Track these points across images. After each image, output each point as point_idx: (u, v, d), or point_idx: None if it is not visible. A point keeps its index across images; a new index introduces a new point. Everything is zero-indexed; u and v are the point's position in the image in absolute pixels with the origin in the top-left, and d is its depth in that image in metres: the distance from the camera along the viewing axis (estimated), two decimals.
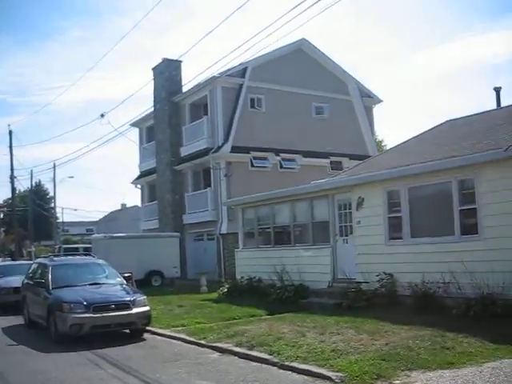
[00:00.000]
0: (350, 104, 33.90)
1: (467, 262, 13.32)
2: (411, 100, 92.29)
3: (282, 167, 30.77)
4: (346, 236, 17.47)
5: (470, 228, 14.00)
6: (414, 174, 15.12)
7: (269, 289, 18.55)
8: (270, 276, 19.06)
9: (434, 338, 10.58)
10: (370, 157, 29.45)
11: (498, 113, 21.08)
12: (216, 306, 17.62)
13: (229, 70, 29.12)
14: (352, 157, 32.33)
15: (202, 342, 11.98)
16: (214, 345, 11.56)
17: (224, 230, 28.60)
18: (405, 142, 21.94)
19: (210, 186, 30.59)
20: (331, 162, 32.30)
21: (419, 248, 14.98)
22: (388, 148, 38.64)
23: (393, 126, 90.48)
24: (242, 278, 20.77)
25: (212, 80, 29.26)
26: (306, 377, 9.01)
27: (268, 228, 21.02)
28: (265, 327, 12.80)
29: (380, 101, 35.48)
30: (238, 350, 10.86)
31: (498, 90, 22.77)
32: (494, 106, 22.74)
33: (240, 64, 27.86)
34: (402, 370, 8.84)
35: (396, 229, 15.81)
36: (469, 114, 21.76)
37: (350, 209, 17.26)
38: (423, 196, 15.33)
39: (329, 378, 8.69)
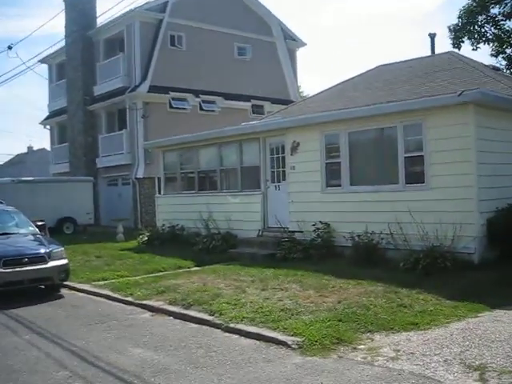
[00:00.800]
0: (274, 46, 32.50)
1: (413, 212, 12.57)
2: (338, 46, 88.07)
3: (201, 109, 29.17)
4: (279, 182, 16.38)
5: (415, 177, 13.22)
6: (356, 117, 14.10)
7: (194, 237, 17.26)
8: (195, 224, 17.76)
9: (388, 295, 9.75)
10: (292, 102, 28.44)
11: (431, 59, 20.41)
12: (137, 256, 16.16)
13: (148, 3, 26.98)
14: (274, 101, 31.17)
15: (130, 299, 10.58)
16: (144, 302, 10.19)
17: (140, 175, 26.90)
18: (334, 86, 20.94)
19: (125, 127, 28.54)
20: (253, 106, 31.00)
21: (360, 196, 14.12)
22: (306, 96, 37.69)
23: (317, 73, 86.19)
24: (164, 225, 19.33)
25: (129, 14, 27.04)
26: (257, 342, 7.80)
27: (192, 173, 19.58)
28: (198, 281, 11.57)
29: (304, 44, 34.26)
30: (172, 309, 9.54)
31: (432, 37, 22.03)
32: (428, 52, 21.99)
33: None
34: (363, 333, 7.86)
35: (334, 176, 14.85)
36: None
37: (283, 153, 16.13)
38: (365, 142, 14.40)
39: (284, 344, 7.53)
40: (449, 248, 11.95)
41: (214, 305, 9.38)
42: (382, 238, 13.06)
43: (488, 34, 27.71)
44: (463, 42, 28.02)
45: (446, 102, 12.49)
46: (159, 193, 21.93)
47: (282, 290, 10.41)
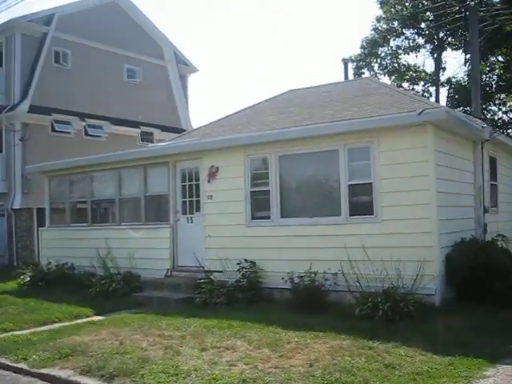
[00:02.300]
0: (165, 70, 30.25)
1: (361, 248, 10.84)
2: (238, 71, 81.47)
3: (87, 134, 26.09)
4: (191, 214, 14.02)
5: (362, 207, 11.47)
6: (290, 138, 12.16)
7: (88, 278, 14.33)
8: (90, 262, 14.80)
9: (363, 351, 7.78)
10: (184, 130, 26.31)
11: (347, 85, 19.10)
12: (21, 301, 12.96)
13: (33, 14, 23.94)
14: (164, 128, 28.86)
15: (24, 365, 7.71)
16: (45, 372, 7.37)
17: (17, 205, 23.26)
18: (241, 111, 18.92)
19: (0, 151, 24.84)
20: (142, 133, 28.42)
21: (293, 230, 12.13)
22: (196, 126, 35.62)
23: (207, 102, 77.99)
24: (50, 263, 16.15)
25: (9, 24, 23.82)
26: None
27: (84, 202, 16.65)
28: (110, 338, 8.91)
29: (196, 70, 32.29)
30: (89, 381, 6.87)
31: (346, 62, 20.82)
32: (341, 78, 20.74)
33: (45, 10, 23.50)
34: None
35: (261, 206, 12.76)
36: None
37: (197, 180, 13.84)
38: (299, 167, 12.44)
39: None
40: (408, 289, 10.19)
41: (147, 376, 6.86)
42: (327, 279, 11.07)
43: (389, 67, 27.25)
44: (363, 72, 27.40)
45: (402, 122, 10.90)
46: (40, 225, 18.70)
47: (228, 349, 8.05)
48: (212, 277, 12.64)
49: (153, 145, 15.70)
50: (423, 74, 28.91)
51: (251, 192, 12.77)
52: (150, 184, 14.82)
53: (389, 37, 26.99)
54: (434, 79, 27.81)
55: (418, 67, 29.80)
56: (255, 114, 17.77)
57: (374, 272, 10.59)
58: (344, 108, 15.09)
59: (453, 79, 28.24)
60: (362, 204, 11.49)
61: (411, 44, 27.65)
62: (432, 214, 10.64)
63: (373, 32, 27.34)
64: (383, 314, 9.66)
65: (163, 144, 15.60)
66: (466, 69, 26.87)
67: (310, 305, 10.59)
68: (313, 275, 11.10)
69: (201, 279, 12.72)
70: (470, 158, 13.04)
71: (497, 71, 27.71)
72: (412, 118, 10.67)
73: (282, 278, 11.57)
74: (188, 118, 31.33)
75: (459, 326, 9.10)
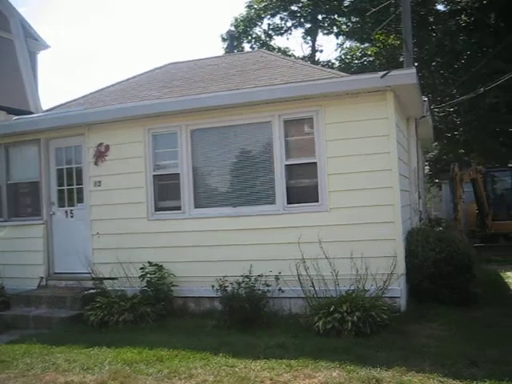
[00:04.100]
0: (11, 44, 25.92)
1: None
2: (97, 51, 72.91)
3: None
4: (72, 206, 10.92)
5: (303, 194, 9.21)
6: (207, 107, 9.56)
7: None
8: None
9: None
10: (31, 113, 22.48)
11: (239, 57, 16.68)
12: None
13: None
14: (11, 111, 24.52)
15: None
16: None
17: None
18: (111, 86, 15.77)
19: None
20: None
21: (210, 224, 9.58)
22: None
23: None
24: None
25: None
26: None
27: None
28: None
29: (47, 46, 28.19)
30: None
31: (231, 34, 18.42)
32: None
33: None
34: None
35: (169, 194, 10.10)
36: None
37: (79, 163, 10.79)
38: (219, 145, 9.87)
39: None
40: (372, 292, 8.18)
41: None
42: (268, 285, 8.64)
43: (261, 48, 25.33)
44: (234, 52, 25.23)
45: (358, 87, 8.77)
46: None
47: None
48: (103, 286, 9.73)
49: (18, 117, 12.21)
50: (296, 57, 27.33)
51: (154, 176, 10.03)
52: (13, 168, 11.42)
53: (263, 15, 25.07)
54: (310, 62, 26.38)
55: (289, 50, 28.30)
56: (131, 89, 14.72)
57: (328, 273, 8.39)
58: (243, 82, 12.62)
59: (329, 63, 27.03)
60: (303, 189, 9.28)
61: (285, 25, 26.03)
62: (395, 200, 8.71)
63: (247, 9, 25.27)
64: (353, 327, 7.49)
65: (32, 116, 12.21)
66: (338, 54, 25.78)
67: (249, 318, 8.13)
68: (249, 280, 8.60)
69: (89, 289, 9.83)
70: (405, 137, 11.26)
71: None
72: (372, 81, 8.66)
73: (202, 286, 9.19)
74: (38, 99, 27.15)
75: (446, 335, 7.55)
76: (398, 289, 8.56)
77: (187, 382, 5.94)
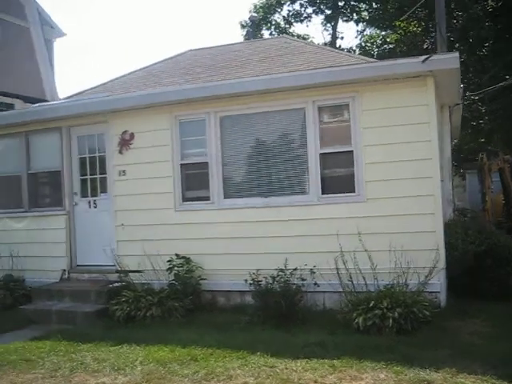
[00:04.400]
0: (28, 32, 25.57)
1: (343, 235, 8.38)
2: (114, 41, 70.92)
3: None
4: (95, 196, 10.58)
5: (338, 183, 8.77)
6: (238, 93, 9.14)
7: None
8: None
9: None
10: (47, 101, 22.14)
11: (263, 43, 16.22)
12: None
13: None
14: (28, 99, 24.22)
15: None
16: None
17: None
18: (129, 74, 15.38)
19: None
20: (1, 104, 23.74)
21: (240, 214, 9.20)
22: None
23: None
24: None
25: None
26: None
27: None
28: None
29: (63, 34, 27.89)
30: None
31: (253, 20, 17.91)
32: None
33: None
34: None
35: (197, 184, 9.73)
36: None
37: (102, 152, 10.43)
38: (249, 131, 9.47)
39: None
40: (412, 287, 7.75)
41: None
42: (303, 279, 8.23)
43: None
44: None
45: (398, 71, 8.33)
46: None
47: None
48: (129, 279, 9.38)
49: (38, 104, 11.84)
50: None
51: (182, 165, 9.64)
52: (34, 158, 11.06)
53: (283, 2, 24.51)
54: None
55: (309, 37, 27.76)
56: (152, 76, 14.35)
57: (366, 266, 7.97)
58: (268, 68, 12.22)
59: (350, 50, 26.49)
60: (338, 179, 8.87)
61: (305, 11, 25.50)
62: (435, 190, 8.29)
63: None
64: (394, 324, 7.08)
65: (53, 103, 11.85)
66: (358, 41, 25.21)
67: (284, 314, 7.74)
68: (284, 274, 8.20)
69: (114, 283, 9.49)
70: (440, 124, 10.77)
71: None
72: (413, 66, 8.20)
73: (231, 280, 8.87)
74: (54, 88, 26.88)
75: (490, 332, 7.18)
76: (438, 283, 8.15)
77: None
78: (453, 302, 8.39)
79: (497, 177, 17.99)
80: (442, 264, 8.11)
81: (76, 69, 66.07)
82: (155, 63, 15.49)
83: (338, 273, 8.03)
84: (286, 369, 5.98)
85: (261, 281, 8.14)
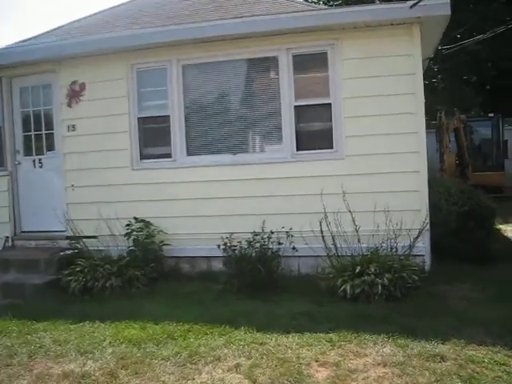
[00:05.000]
0: None
1: (314, 196, 7.72)
2: None
3: None
4: (41, 154, 9.49)
5: (314, 139, 8.06)
6: (203, 38, 8.23)
7: None
8: None
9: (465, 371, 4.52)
10: None
11: None
12: None
13: None
14: None
15: None
16: None
17: None
18: (66, 25, 14.02)
19: None
20: None
21: (206, 173, 8.38)
22: None
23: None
24: None
25: None
26: None
27: None
28: None
29: None
30: None
31: None
32: None
33: None
34: None
35: (156, 140, 8.83)
36: None
37: (48, 104, 9.34)
38: (216, 82, 8.61)
39: None
40: (401, 250, 7.26)
41: None
42: (280, 243, 7.53)
43: None
44: None
45: (381, 18, 7.57)
46: None
47: None
48: (81, 246, 8.46)
49: None
50: None
51: (139, 119, 8.72)
52: None
53: None
54: None
55: None
56: (95, 26, 13.11)
57: (347, 229, 7.36)
58: (223, 18, 11.25)
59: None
60: (314, 134, 8.15)
61: None
62: (420, 147, 7.69)
63: None
64: (383, 291, 6.54)
65: None
66: None
67: (263, 282, 7.05)
68: (261, 238, 7.47)
69: (65, 250, 8.57)
70: None
71: None
72: (398, 11, 7.53)
73: (197, 245, 8.13)
74: None
75: (480, 297, 6.73)
76: (423, 246, 7.66)
77: (217, 368, 4.82)
78: (436, 265, 7.90)
79: (452, 137, 17.75)
80: (427, 226, 7.55)
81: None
82: (96, 13, 14.15)
83: (322, 236, 7.35)
84: (279, 345, 5.30)
85: (235, 246, 7.36)
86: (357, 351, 5.12)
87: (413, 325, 5.69)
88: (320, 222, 7.36)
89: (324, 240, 7.26)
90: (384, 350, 5.13)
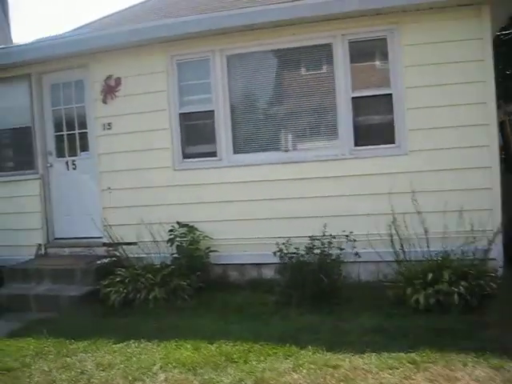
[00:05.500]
0: None
1: (380, 195, 7.03)
2: None
3: None
4: (74, 156, 8.89)
5: (374, 133, 7.32)
6: (250, 25, 7.51)
7: None
8: None
9: None
10: None
11: None
12: None
13: None
14: None
15: None
16: None
17: None
18: (104, 18, 13.46)
19: None
20: None
21: (254, 173, 7.68)
22: None
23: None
24: None
25: None
26: None
27: None
28: None
29: None
30: None
31: None
32: None
33: None
34: None
35: (200, 138, 8.18)
36: None
37: (81, 102, 8.73)
38: (264, 73, 7.89)
39: None
40: (473, 255, 6.43)
41: None
42: (341, 248, 6.80)
43: None
44: None
45: None
46: None
47: None
48: (120, 253, 7.83)
49: (1, 47, 9.91)
50: None
51: (181, 115, 8.04)
52: None
53: None
54: None
55: None
56: (127, 20, 12.49)
57: (414, 231, 6.62)
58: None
59: None
60: (373, 128, 7.40)
61: None
62: (491, 140, 6.91)
63: None
64: (460, 301, 5.81)
65: (18, 44, 9.92)
66: None
67: (324, 293, 6.33)
68: (321, 243, 6.75)
69: (102, 258, 7.95)
70: None
71: None
72: None
73: (245, 251, 7.38)
74: (10, 41, 24.68)
75: None
76: (496, 249, 6.82)
77: None
78: (509, 270, 7.10)
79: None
80: (497, 226, 6.79)
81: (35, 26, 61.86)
82: (123, 9, 13.54)
83: (390, 239, 6.61)
84: (355, 369, 4.59)
85: (293, 252, 6.66)
86: (446, 375, 4.40)
87: (502, 340, 4.97)
88: (390, 225, 6.61)
89: (393, 244, 6.51)
90: (477, 372, 4.41)
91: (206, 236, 7.70)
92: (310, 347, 5.07)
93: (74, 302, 7.18)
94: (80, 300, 7.20)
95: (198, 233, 7.70)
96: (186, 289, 7.09)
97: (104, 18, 12.69)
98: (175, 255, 7.54)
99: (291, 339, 5.28)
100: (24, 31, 55.96)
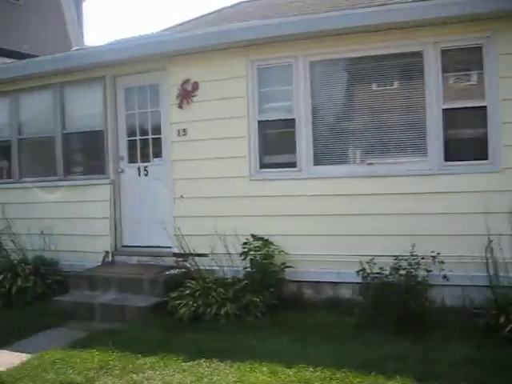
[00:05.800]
0: None
1: (467, 214, 6.54)
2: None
3: None
4: (146, 161, 8.67)
5: (466, 148, 6.75)
6: (337, 29, 7.09)
7: None
8: None
9: None
10: None
11: None
12: None
13: None
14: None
15: None
16: None
17: None
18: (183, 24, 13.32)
19: None
20: None
21: (338, 186, 7.32)
22: None
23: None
24: None
25: None
26: None
27: None
28: None
29: None
30: None
31: None
32: None
33: None
34: None
35: (279, 147, 7.84)
36: None
37: (156, 106, 8.50)
38: (347, 80, 7.51)
39: None
40: None
41: None
42: (428, 270, 6.28)
43: None
44: None
45: None
46: None
47: None
48: (188, 264, 7.50)
49: (76, 48, 9.81)
50: None
51: (260, 123, 7.67)
52: (70, 114, 9.17)
53: None
54: None
55: None
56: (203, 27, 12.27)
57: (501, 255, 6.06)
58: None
59: None
60: (465, 143, 6.83)
61: None
62: None
63: None
64: None
65: (94, 46, 9.83)
66: None
67: (409, 317, 5.81)
68: (408, 263, 6.25)
69: (170, 268, 7.63)
70: None
71: None
72: None
73: (322, 268, 7.00)
74: (82, 44, 25.07)
75: None
76: None
77: None
78: None
79: None
80: None
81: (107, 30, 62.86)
82: (197, 17, 13.44)
83: (486, 262, 6.05)
84: None
85: (378, 272, 6.18)
86: None
87: None
88: (484, 247, 6.06)
89: (487, 267, 5.96)
90: None
91: (282, 251, 7.30)
92: (398, 378, 4.58)
93: (140, 313, 6.89)
94: (147, 311, 6.91)
95: (273, 247, 7.31)
96: (258, 305, 6.70)
97: (176, 25, 12.63)
98: (248, 269, 7.16)
99: (376, 367, 4.82)
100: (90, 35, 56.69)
